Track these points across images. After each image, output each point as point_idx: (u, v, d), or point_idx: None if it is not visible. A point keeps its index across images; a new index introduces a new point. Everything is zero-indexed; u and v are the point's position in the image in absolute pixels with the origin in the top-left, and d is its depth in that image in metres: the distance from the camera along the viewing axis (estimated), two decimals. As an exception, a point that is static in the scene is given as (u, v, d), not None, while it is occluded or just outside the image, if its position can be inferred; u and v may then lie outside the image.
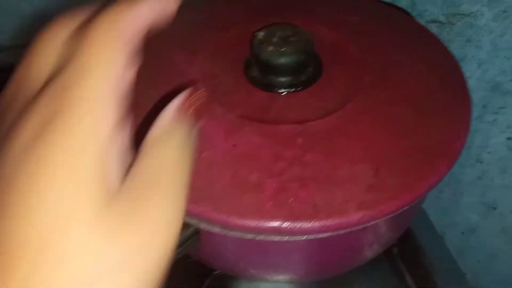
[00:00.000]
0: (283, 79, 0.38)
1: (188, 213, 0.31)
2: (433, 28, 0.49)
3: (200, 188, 0.31)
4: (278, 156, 0.33)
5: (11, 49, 0.51)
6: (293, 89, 0.38)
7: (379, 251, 0.42)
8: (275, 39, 0.37)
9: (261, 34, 0.38)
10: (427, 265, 0.48)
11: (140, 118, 0.36)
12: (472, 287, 0.48)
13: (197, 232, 0.33)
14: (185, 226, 0.32)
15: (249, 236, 0.31)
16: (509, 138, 0.57)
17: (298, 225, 0.29)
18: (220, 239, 0.33)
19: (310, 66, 0.39)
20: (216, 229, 0.31)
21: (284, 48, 0.37)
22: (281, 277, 0.39)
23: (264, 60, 0.37)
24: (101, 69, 0.19)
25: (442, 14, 0.51)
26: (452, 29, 0.50)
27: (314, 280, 0.46)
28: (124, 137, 0.20)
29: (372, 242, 0.37)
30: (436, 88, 0.38)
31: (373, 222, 0.30)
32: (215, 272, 0.45)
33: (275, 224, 0.29)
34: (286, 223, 0.29)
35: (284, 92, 0.38)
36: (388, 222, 0.35)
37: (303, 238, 0.31)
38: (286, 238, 0.30)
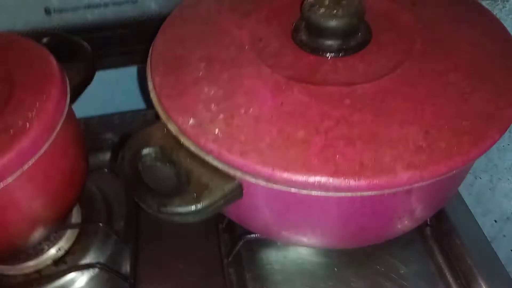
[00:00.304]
0: (332, 42, 0.37)
1: (233, 164, 0.32)
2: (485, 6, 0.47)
3: (247, 141, 0.32)
4: (325, 115, 0.33)
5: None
6: (341, 54, 0.38)
7: (413, 226, 0.41)
8: (326, 2, 0.37)
9: (312, -3, 0.38)
10: (460, 247, 0.48)
11: (188, 76, 0.37)
12: (507, 272, 0.47)
13: (239, 186, 0.33)
14: (228, 179, 0.33)
15: (293, 190, 0.31)
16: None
17: (344, 181, 0.29)
18: (262, 194, 0.33)
19: (359, 31, 0.38)
20: (260, 182, 0.31)
21: (336, 11, 0.36)
22: (314, 240, 0.39)
23: (315, 22, 0.37)
24: None
25: (494, -8, 0.50)
26: (505, 6, 0.49)
27: (347, 252, 0.46)
28: None
29: (408, 210, 0.37)
30: (489, 59, 0.37)
31: (420, 184, 0.30)
32: (246, 236, 0.45)
33: (321, 179, 0.29)
34: (332, 178, 0.29)
35: (333, 56, 0.37)
36: (428, 190, 0.35)
37: (347, 195, 0.30)
38: (330, 194, 0.30)
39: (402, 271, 0.46)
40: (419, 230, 0.49)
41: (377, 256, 0.47)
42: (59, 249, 0.45)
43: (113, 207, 0.50)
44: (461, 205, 0.52)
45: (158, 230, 0.48)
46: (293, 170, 0.30)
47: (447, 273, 0.46)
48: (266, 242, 0.47)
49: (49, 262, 0.44)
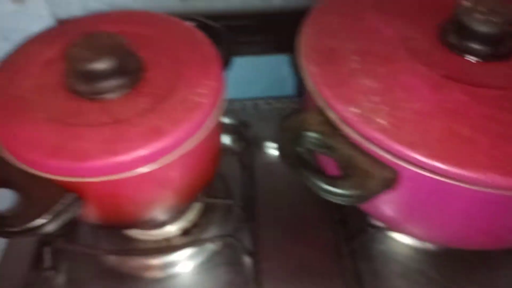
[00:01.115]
0: (483, 47, 0.38)
1: (398, 155, 0.33)
2: None
3: (414, 133, 0.33)
4: (487, 115, 0.34)
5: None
6: (491, 59, 0.39)
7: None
8: (481, 8, 0.38)
9: (467, 1, 0.39)
10: None
11: (344, 67, 0.38)
12: None
13: (396, 176, 0.34)
14: (387, 168, 0.34)
15: (458, 184, 0.32)
16: None
17: (514, 180, 0.30)
18: (419, 186, 0.35)
19: (509, 39, 0.39)
20: (427, 174, 0.32)
21: (492, 17, 0.38)
22: (447, 237, 0.40)
23: (469, 26, 0.38)
24: None
25: None
26: None
27: (460, 255, 0.47)
28: None
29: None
30: None
31: None
32: (368, 229, 0.46)
33: (492, 177, 0.31)
34: (502, 177, 0.31)
35: (482, 60, 0.39)
36: None
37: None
38: (494, 191, 0.31)
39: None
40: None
41: (490, 262, 0.48)
42: (188, 221, 0.47)
43: (231, 188, 0.52)
44: None
45: (275, 213, 0.50)
46: (464, 166, 0.31)
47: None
48: (380, 237, 0.49)
49: (178, 232, 0.47)
